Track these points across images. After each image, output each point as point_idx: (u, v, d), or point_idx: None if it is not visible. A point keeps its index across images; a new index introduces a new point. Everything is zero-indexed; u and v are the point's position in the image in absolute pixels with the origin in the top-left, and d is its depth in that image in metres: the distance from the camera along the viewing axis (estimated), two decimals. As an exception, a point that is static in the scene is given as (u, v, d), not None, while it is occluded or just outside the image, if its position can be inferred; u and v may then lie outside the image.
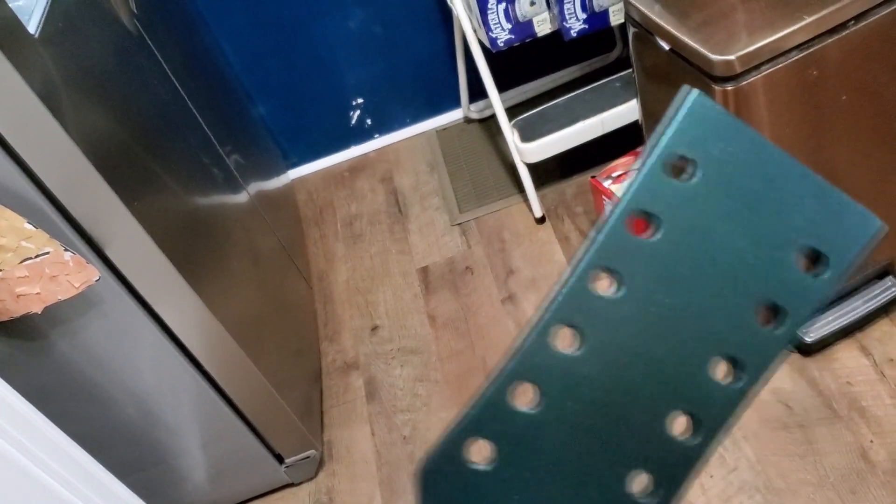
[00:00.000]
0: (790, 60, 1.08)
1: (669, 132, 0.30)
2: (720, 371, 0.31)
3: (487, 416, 0.31)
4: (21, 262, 1.02)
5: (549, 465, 0.32)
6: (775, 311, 0.32)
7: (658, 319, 0.31)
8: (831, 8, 1.05)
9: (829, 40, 1.07)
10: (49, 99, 0.97)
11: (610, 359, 0.31)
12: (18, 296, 1.06)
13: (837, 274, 0.32)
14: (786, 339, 0.32)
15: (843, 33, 1.07)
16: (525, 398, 0.31)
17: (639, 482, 0.32)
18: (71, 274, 1.06)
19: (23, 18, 1.00)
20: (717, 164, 0.30)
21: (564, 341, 0.31)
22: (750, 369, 0.31)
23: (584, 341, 0.31)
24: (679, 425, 0.31)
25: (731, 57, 1.05)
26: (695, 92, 0.31)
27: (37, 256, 1.02)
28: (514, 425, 0.31)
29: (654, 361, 0.31)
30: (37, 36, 1.00)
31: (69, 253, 1.03)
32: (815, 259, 0.32)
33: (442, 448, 0.32)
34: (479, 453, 0.32)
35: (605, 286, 0.31)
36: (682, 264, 0.31)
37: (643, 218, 0.31)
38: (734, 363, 0.31)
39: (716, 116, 0.31)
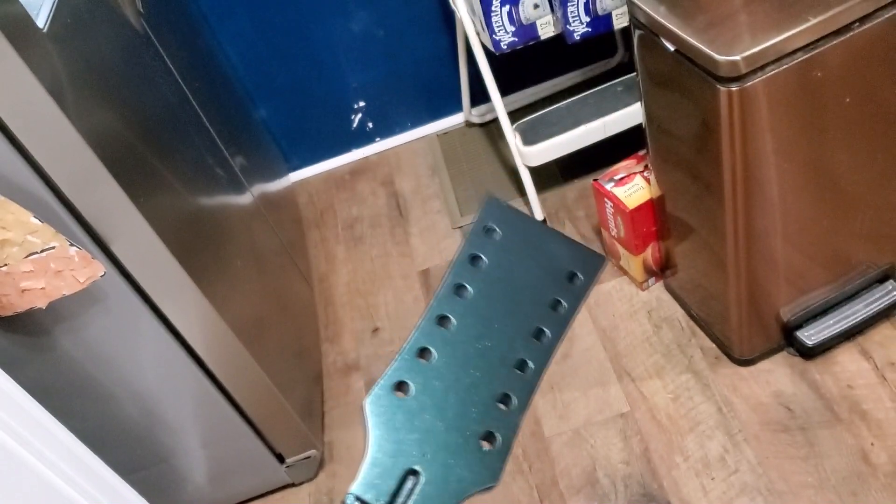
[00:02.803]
0: (795, 62, 1.08)
1: (480, 214, 0.57)
2: (535, 338, 0.55)
3: (405, 367, 0.53)
4: (26, 256, 1.02)
5: (447, 391, 0.52)
6: (557, 304, 0.56)
7: (490, 320, 0.54)
8: (836, 10, 1.06)
9: (834, 42, 1.08)
10: (57, 93, 0.97)
11: (472, 333, 0.54)
12: (23, 290, 1.05)
13: (587, 283, 0.56)
14: (566, 317, 0.55)
15: (848, 35, 1.08)
16: (427, 355, 0.54)
17: (504, 399, 0.53)
18: (76, 269, 1.06)
19: (31, 13, 1.00)
20: (510, 230, 0.56)
21: (440, 324, 0.54)
22: (551, 334, 0.55)
23: (456, 323, 0.54)
24: (517, 365, 0.54)
25: (737, 57, 1.06)
26: (490, 196, 0.58)
27: (42, 251, 1.02)
28: (422, 371, 0.53)
29: (496, 338, 0.54)
30: (45, 31, 1.01)
31: (75, 248, 1.03)
32: (573, 277, 0.56)
33: (378, 389, 0.52)
34: (403, 389, 0.53)
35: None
36: (501, 284, 0.55)
37: (475, 259, 0.56)
38: (541, 332, 0.55)
39: (503, 206, 0.58)
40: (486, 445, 0.51)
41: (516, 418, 0.52)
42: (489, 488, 0.51)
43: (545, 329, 0.54)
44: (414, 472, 0.51)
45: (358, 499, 0.50)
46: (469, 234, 0.56)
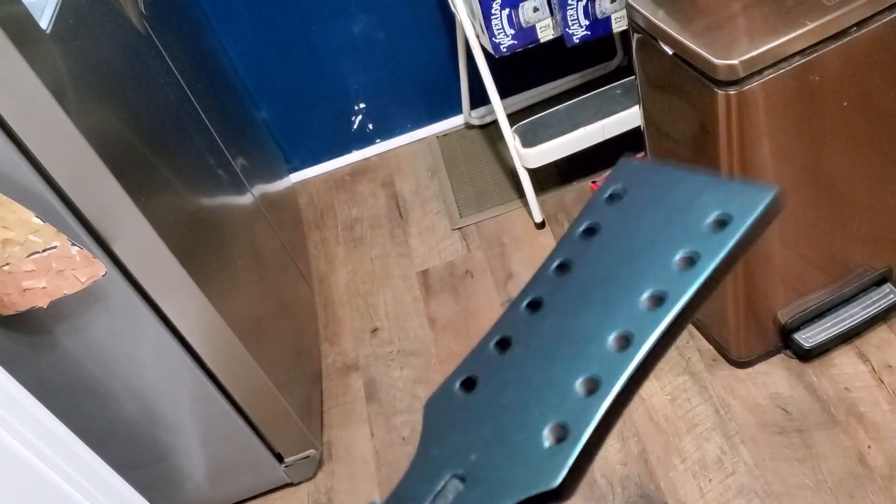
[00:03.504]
0: (792, 66, 1.09)
1: (607, 181, 0.49)
2: (651, 307, 0.44)
3: (475, 362, 0.47)
4: (28, 255, 1.03)
5: (518, 384, 0.45)
6: (692, 261, 0.44)
7: (589, 293, 0.45)
8: (833, 15, 1.07)
9: (831, 47, 1.09)
10: (59, 94, 0.98)
11: (563, 311, 0.46)
12: (24, 290, 1.06)
13: (742, 225, 0.44)
14: (702, 272, 0.44)
15: (845, 40, 1.09)
16: (505, 345, 0.46)
17: (588, 385, 0.44)
18: (77, 269, 1.06)
19: (34, 14, 1.01)
20: (640, 188, 0.48)
21: (529, 309, 0.46)
22: (675, 299, 0.43)
23: (545, 303, 0.46)
24: (615, 342, 0.43)
25: (735, 61, 1.07)
26: (623, 158, 0.49)
27: (44, 251, 1.03)
28: (494, 364, 0.46)
29: (592, 313, 0.45)
30: (48, 32, 1.01)
31: (76, 248, 1.04)
32: (724, 223, 0.44)
33: (439, 389, 0.46)
34: (468, 386, 0.46)
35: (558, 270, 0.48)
36: (614, 251, 0.47)
37: (588, 232, 0.48)
38: (661, 299, 0.44)
39: (636, 164, 0.49)
40: (549, 441, 0.43)
41: (597, 406, 0.42)
42: (548, 493, 0.42)
43: (667, 294, 0.44)
44: (460, 478, 0.45)
45: None
46: (587, 206, 0.49)
